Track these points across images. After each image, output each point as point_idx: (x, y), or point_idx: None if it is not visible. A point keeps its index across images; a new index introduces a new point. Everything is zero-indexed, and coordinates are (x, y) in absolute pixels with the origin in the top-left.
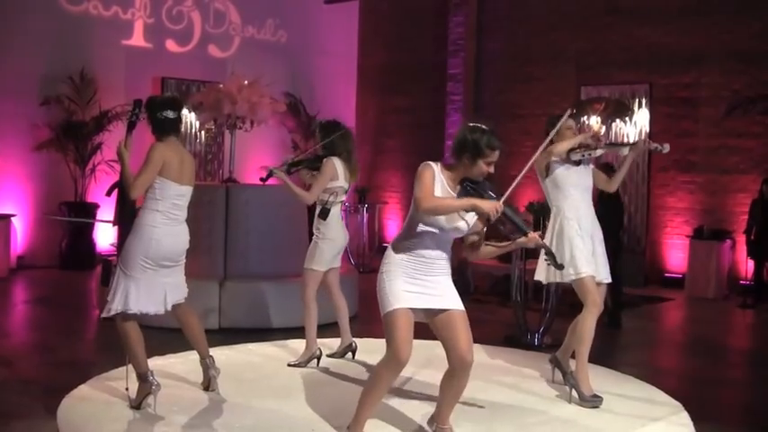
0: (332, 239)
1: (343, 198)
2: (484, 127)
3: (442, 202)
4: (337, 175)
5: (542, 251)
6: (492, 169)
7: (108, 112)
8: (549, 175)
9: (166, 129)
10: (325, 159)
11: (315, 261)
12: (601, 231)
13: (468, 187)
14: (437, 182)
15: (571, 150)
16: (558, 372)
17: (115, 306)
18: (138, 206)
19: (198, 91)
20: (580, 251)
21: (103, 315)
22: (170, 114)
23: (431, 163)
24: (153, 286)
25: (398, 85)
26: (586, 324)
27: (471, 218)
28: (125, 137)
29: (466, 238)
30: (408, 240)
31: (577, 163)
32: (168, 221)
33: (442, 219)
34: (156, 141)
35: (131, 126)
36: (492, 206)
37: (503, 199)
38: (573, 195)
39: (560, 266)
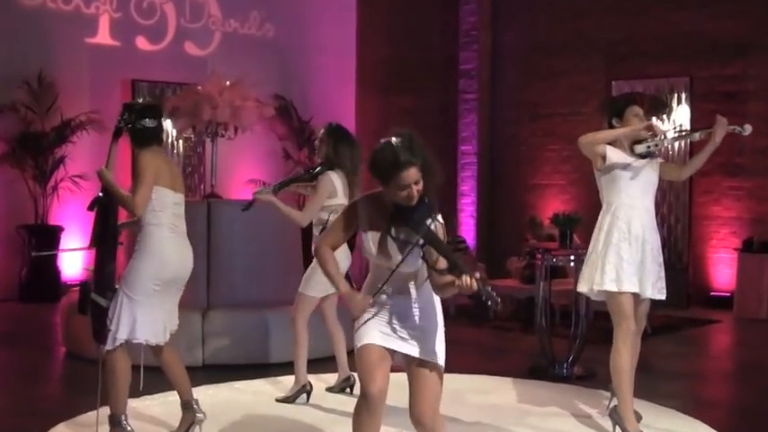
0: None
1: None
2: (387, 142)
3: (322, 258)
4: (336, 191)
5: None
6: (417, 189)
7: (71, 121)
8: (604, 164)
9: (147, 139)
10: (321, 175)
11: (310, 286)
12: (658, 238)
13: (395, 214)
14: (361, 220)
15: (635, 142)
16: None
17: (121, 335)
18: (121, 224)
19: (173, 94)
20: (626, 261)
21: (107, 348)
22: (149, 123)
23: (357, 200)
24: (157, 313)
25: (403, 84)
26: (621, 355)
27: (417, 251)
28: (110, 147)
29: (432, 274)
30: (370, 278)
31: (642, 156)
32: (174, 235)
33: (374, 253)
34: (138, 151)
35: (117, 133)
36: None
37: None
38: (630, 192)
39: (494, 304)
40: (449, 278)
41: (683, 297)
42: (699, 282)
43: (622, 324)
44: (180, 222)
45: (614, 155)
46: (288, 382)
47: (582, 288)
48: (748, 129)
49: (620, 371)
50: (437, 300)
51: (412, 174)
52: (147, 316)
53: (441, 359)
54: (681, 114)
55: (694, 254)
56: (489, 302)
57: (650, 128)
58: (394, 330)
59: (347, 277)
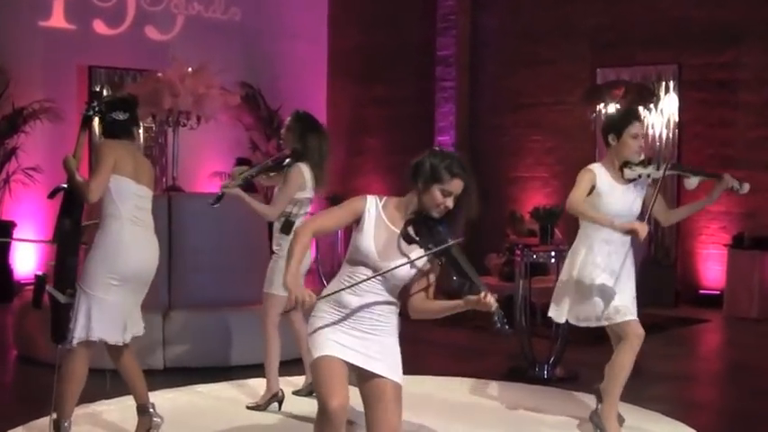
0: None
1: (309, 209)
2: (450, 152)
3: (297, 240)
4: (305, 184)
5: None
6: (450, 203)
7: (23, 110)
8: (593, 191)
9: (116, 131)
10: (291, 166)
11: (275, 284)
12: (633, 269)
13: (415, 221)
14: (365, 217)
15: (625, 165)
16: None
17: (78, 334)
18: (85, 224)
19: (133, 81)
20: (612, 291)
21: (67, 346)
22: (120, 116)
23: (368, 196)
24: (115, 310)
25: (377, 72)
26: (625, 358)
27: (404, 268)
28: (78, 136)
29: (414, 296)
30: (338, 280)
31: (631, 180)
32: (136, 228)
33: (373, 253)
34: (104, 140)
35: (86, 121)
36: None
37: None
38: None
39: (503, 331)
40: (446, 304)
41: (670, 295)
42: (687, 279)
43: (633, 329)
44: (144, 215)
45: (603, 184)
46: (253, 385)
47: (552, 315)
48: (746, 187)
49: (617, 371)
50: (397, 322)
51: (458, 185)
52: (103, 313)
53: (401, 378)
54: (669, 104)
55: (682, 250)
56: (498, 326)
57: (636, 232)
58: (353, 342)
59: (317, 273)
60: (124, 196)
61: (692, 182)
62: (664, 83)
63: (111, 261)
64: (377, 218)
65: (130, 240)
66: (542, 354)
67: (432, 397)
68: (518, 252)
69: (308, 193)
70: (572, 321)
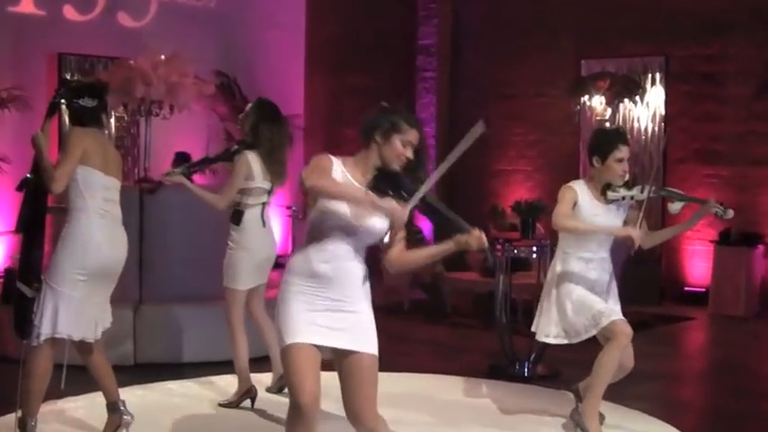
0: (248, 249)
1: (266, 200)
2: (400, 108)
3: (334, 186)
4: (252, 173)
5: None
6: (410, 153)
7: None
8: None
9: (84, 119)
10: (237, 155)
11: (231, 277)
12: (614, 284)
13: (379, 178)
14: (336, 174)
15: (608, 188)
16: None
17: (44, 330)
18: (51, 207)
19: (104, 69)
20: (591, 299)
21: (33, 343)
22: (87, 102)
23: (328, 154)
24: (84, 306)
25: (356, 61)
26: (612, 355)
27: (378, 223)
28: (43, 123)
29: (391, 250)
30: (304, 253)
31: (610, 201)
32: (105, 221)
33: (346, 213)
34: (72, 127)
35: (52, 109)
36: (397, 210)
37: (422, 190)
38: (588, 244)
39: (491, 262)
40: (429, 250)
41: (655, 292)
42: (672, 276)
43: (621, 328)
44: (112, 208)
45: (584, 203)
46: (226, 382)
47: (541, 338)
48: (730, 213)
49: (603, 369)
50: (368, 285)
51: (416, 136)
52: (71, 309)
53: (376, 349)
54: (655, 96)
55: (668, 246)
56: (491, 261)
57: (631, 239)
58: (326, 318)
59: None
60: (92, 189)
61: (675, 206)
62: (650, 75)
63: (78, 256)
64: (343, 178)
65: (99, 235)
66: (523, 351)
67: (410, 395)
68: (498, 247)
69: (259, 182)
70: (561, 341)
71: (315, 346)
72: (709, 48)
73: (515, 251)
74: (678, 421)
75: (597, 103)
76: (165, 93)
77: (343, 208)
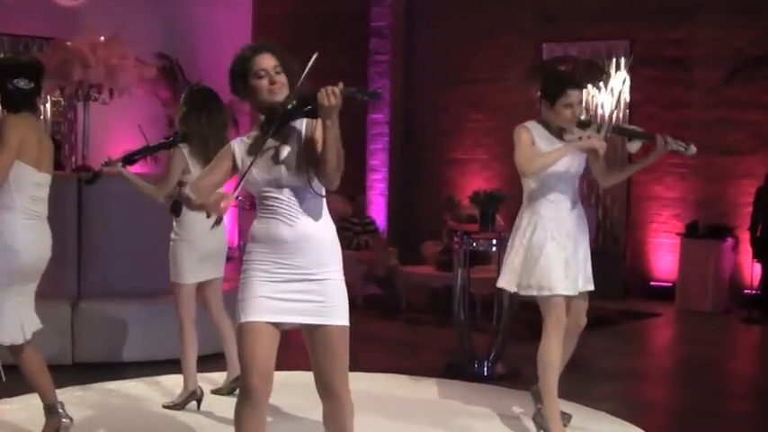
0: (190, 241)
1: None
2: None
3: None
4: (189, 167)
5: None
6: (275, 77)
7: None
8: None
9: (17, 102)
10: (173, 147)
11: (175, 271)
12: (586, 231)
13: (266, 120)
14: (236, 156)
15: (563, 131)
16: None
17: None
18: None
19: (40, 51)
20: (553, 263)
21: None
22: (24, 84)
23: (231, 141)
24: (8, 309)
25: (306, 43)
26: (550, 348)
27: (293, 152)
28: None
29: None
30: (261, 217)
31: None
32: (30, 222)
33: (255, 175)
34: (7, 115)
35: None
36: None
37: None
38: (553, 187)
39: (374, 94)
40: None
41: (619, 287)
42: (637, 270)
43: (552, 313)
44: (39, 207)
45: (542, 141)
46: (170, 383)
47: (504, 286)
48: (692, 150)
49: (548, 366)
50: (335, 240)
51: (264, 59)
52: None
53: (347, 318)
54: (619, 82)
55: (632, 239)
56: (360, 96)
57: (594, 149)
58: (289, 290)
59: (238, 261)
60: (22, 186)
61: (634, 145)
62: (614, 59)
63: (4, 260)
64: (243, 146)
65: (23, 237)
66: (482, 349)
67: (364, 395)
68: (457, 239)
69: (195, 174)
70: (514, 289)
71: (274, 324)
72: (676, 31)
73: (474, 244)
74: (644, 422)
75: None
76: (105, 76)
77: (256, 176)
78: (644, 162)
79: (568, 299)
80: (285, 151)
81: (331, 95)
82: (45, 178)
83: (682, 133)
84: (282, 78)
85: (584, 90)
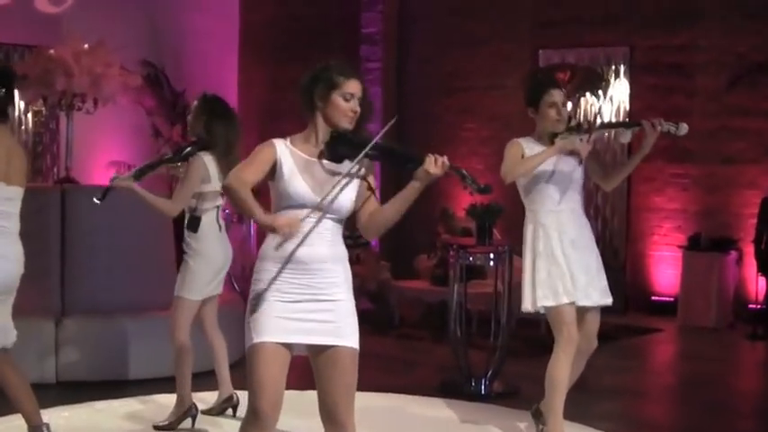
0: (207, 257)
1: (221, 203)
2: (332, 61)
3: (241, 189)
4: (209, 176)
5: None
6: (357, 106)
7: None
8: None
9: None
10: (192, 157)
11: (186, 287)
12: (593, 239)
13: (331, 144)
14: (281, 161)
15: (554, 137)
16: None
17: None
18: None
19: (21, 59)
20: (558, 270)
21: None
22: None
23: (273, 140)
24: None
25: (294, 50)
26: (559, 365)
27: (347, 191)
28: None
29: (361, 214)
30: (273, 243)
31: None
32: None
33: (303, 191)
34: None
35: None
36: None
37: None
38: (552, 195)
39: (484, 190)
40: (396, 199)
41: (619, 302)
42: (638, 284)
43: (563, 330)
44: (9, 223)
45: (534, 152)
46: (159, 401)
47: (525, 307)
48: (684, 128)
49: (555, 384)
50: (349, 268)
51: (356, 85)
52: None
53: (357, 341)
54: (619, 89)
55: (633, 252)
56: (468, 183)
57: (577, 151)
58: (302, 310)
59: (228, 275)
60: None
61: (625, 136)
62: (613, 66)
63: None
64: (293, 156)
65: None
66: (479, 366)
67: (359, 413)
68: (452, 253)
69: (215, 185)
70: (527, 308)
71: (285, 345)
72: (677, 37)
73: (471, 258)
74: None
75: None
76: (89, 85)
77: (304, 188)
78: (641, 152)
79: (581, 313)
80: (349, 183)
81: (439, 166)
82: (15, 192)
83: (683, 143)
84: (359, 109)
85: (581, 97)
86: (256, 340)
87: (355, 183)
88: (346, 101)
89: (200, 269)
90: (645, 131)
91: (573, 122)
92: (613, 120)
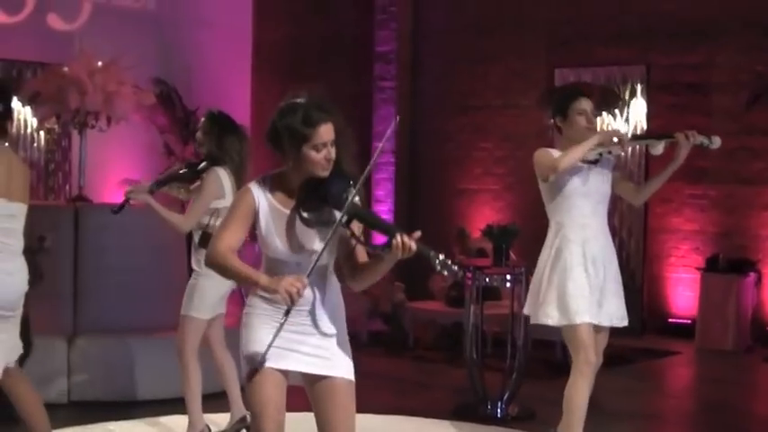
0: (217, 276)
1: None
2: (297, 101)
3: (227, 262)
4: (223, 191)
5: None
6: (332, 152)
7: None
8: (555, 174)
9: None
10: (206, 172)
11: (194, 305)
12: (615, 258)
13: (307, 191)
14: (258, 210)
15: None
16: None
17: None
18: None
19: (34, 76)
20: (578, 288)
21: None
22: None
23: (250, 186)
24: None
25: (307, 68)
26: (578, 389)
27: (321, 239)
28: None
29: (345, 263)
30: (265, 270)
31: (593, 162)
32: None
33: (281, 248)
34: None
35: None
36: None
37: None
38: (580, 207)
39: (460, 272)
40: (380, 261)
41: (636, 324)
42: (655, 306)
43: (580, 353)
44: (11, 239)
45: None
46: (170, 423)
47: (526, 312)
48: (717, 141)
49: (574, 408)
50: (341, 303)
51: (327, 131)
52: None
53: (352, 373)
54: (636, 108)
55: (650, 273)
56: (445, 269)
57: (617, 134)
58: (295, 342)
59: (238, 293)
60: None
61: (657, 148)
62: (630, 85)
63: None
64: (270, 208)
65: None
66: (495, 389)
67: None
68: (469, 274)
69: (229, 201)
70: (543, 320)
71: (282, 372)
72: (694, 55)
73: (487, 279)
74: None
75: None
76: (102, 103)
77: (282, 246)
78: (673, 164)
79: (595, 332)
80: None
81: (406, 249)
82: (18, 208)
83: (700, 163)
84: (334, 153)
85: (597, 116)
86: (253, 367)
87: (330, 232)
88: (318, 151)
89: (209, 287)
90: (678, 144)
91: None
92: (645, 134)
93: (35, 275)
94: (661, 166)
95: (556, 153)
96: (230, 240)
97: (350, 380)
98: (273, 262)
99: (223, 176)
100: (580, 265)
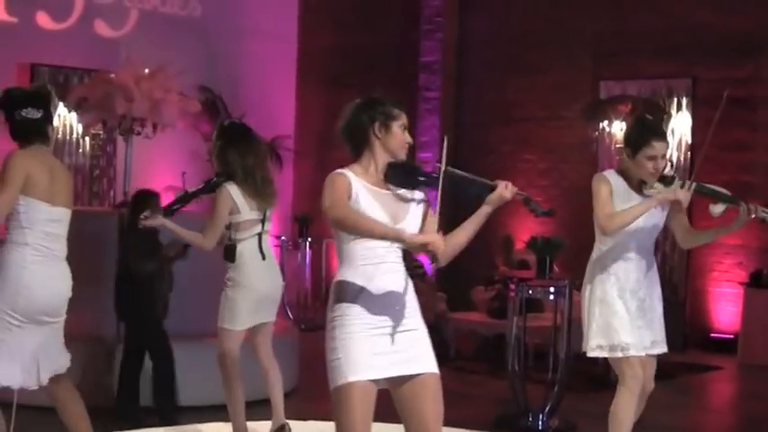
0: (247, 287)
1: (261, 229)
2: (376, 96)
3: (363, 221)
4: (237, 206)
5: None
6: (409, 138)
7: None
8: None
9: (28, 133)
10: (218, 188)
11: (227, 317)
12: (659, 286)
13: (394, 174)
14: (356, 191)
15: (644, 184)
16: None
17: None
18: None
19: (81, 82)
20: (621, 320)
21: None
22: (32, 113)
23: (340, 170)
24: (20, 351)
25: (352, 77)
26: (624, 404)
27: (414, 216)
28: None
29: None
30: (351, 274)
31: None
32: (42, 258)
33: (388, 222)
34: (16, 149)
35: None
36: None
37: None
38: (627, 243)
39: (548, 213)
40: (467, 224)
41: (678, 338)
42: (697, 321)
43: (627, 370)
44: (54, 244)
45: (619, 195)
46: (217, 430)
47: (583, 348)
48: None
49: (620, 424)
50: (415, 293)
51: (405, 118)
52: (4, 355)
53: (437, 366)
54: (681, 122)
55: (693, 288)
56: (540, 210)
57: (678, 201)
58: (385, 343)
59: (283, 303)
60: (34, 222)
61: (717, 209)
62: (675, 99)
63: (10, 300)
64: (364, 187)
65: (29, 277)
66: (537, 401)
67: None
68: (512, 286)
69: (247, 215)
70: (595, 353)
71: (374, 381)
72: (740, 70)
73: (531, 291)
74: None
75: (617, 128)
76: (149, 109)
77: (383, 217)
78: (728, 229)
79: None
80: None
81: (509, 190)
82: (61, 213)
83: (745, 177)
84: (410, 138)
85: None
86: (346, 380)
87: (421, 209)
88: (403, 131)
89: (239, 299)
90: (739, 212)
91: (667, 172)
92: (713, 186)
93: (171, 283)
94: (701, 179)
95: (611, 184)
96: (344, 201)
97: (438, 374)
98: (365, 241)
99: (234, 192)
100: (618, 298)
